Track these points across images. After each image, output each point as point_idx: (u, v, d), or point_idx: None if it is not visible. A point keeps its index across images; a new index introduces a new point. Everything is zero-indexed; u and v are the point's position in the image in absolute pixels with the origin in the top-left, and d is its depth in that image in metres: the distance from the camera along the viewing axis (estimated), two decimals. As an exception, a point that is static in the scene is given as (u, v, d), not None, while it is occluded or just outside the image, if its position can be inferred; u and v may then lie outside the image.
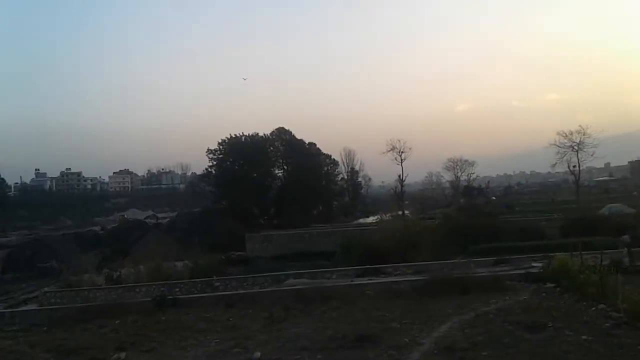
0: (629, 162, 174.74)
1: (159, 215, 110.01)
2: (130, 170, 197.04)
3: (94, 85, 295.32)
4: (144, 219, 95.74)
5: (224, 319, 19.62)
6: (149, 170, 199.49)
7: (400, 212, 78.50)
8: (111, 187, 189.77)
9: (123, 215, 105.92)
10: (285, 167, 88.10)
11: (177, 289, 28.00)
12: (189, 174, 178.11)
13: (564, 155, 75.34)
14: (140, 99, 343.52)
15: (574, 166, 76.34)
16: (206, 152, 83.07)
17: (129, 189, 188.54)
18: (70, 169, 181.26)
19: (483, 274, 24.37)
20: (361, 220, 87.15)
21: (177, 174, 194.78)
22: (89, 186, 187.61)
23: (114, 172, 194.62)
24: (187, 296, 25.49)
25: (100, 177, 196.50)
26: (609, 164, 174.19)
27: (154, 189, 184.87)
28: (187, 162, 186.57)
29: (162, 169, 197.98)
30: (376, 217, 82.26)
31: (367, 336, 15.06)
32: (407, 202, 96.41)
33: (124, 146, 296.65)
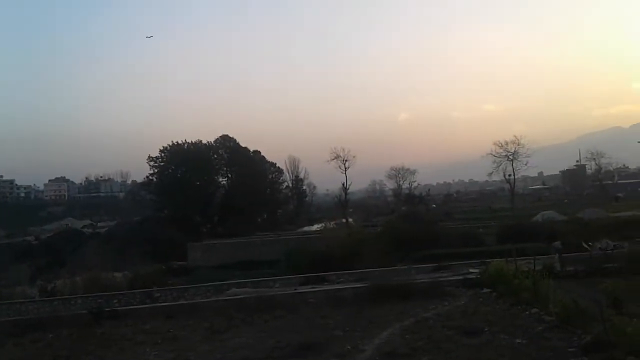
0: (560, 172, 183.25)
1: (97, 224, 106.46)
2: (66, 177, 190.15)
3: (28, 89, 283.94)
4: (81, 228, 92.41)
5: (164, 331, 19.17)
6: (86, 178, 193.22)
7: (344, 220, 79.33)
8: (46, 196, 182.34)
9: (68, 225, 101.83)
10: (229, 175, 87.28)
11: (116, 301, 27.12)
12: (129, 182, 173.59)
13: (500, 165, 78.58)
14: (79, 104, 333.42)
15: (509, 175, 79.64)
16: (147, 159, 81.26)
17: (66, 197, 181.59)
18: (2, 176, 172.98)
19: (423, 280, 24.88)
20: (306, 228, 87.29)
21: (117, 181, 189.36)
22: (23, 194, 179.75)
23: (49, 180, 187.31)
24: (125, 308, 24.71)
25: (34, 185, 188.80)
26: (542, 172, 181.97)
27: (92, 197, 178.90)
28: (127, 170, 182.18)
29: (101, 177, 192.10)
30: (321, 225, 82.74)
31: (310, 345, 15.09)
32: (351, 210, 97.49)
33: (61, 153, 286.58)
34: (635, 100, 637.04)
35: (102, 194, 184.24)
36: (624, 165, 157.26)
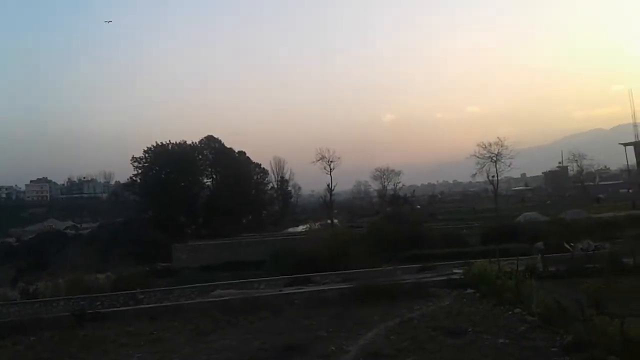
0: (543, 173, 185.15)
1: (81, 225, 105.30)
2: (49, 178, 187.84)
3: (9, 89, 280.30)
4: (64, 229, 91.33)
5: (147, 333, 19.03)
6: (69, 179, 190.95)
7: (329, 221, 79.45)
8: (28, 196, 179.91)
9: (52, 226, 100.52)
10: (214, 176, 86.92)
11: (99, 303, 26.86)
12: (112, 182, 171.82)
13: (484, 166, 79.35)
14: (61, 104, 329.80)
15: (493, 176, 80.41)
16: (131, 160, 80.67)
17: (48, 198, 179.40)
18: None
19: (408, 281, 25.01)
20: (291, 229, 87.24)
21: (100, 182, 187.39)
22: (4, 195, 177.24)
23: (31, 181, 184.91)
24: (108, 310, 24.50)
25: (16, 185, 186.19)
26: (525, 174, 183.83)
27: (75, 198, 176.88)
28: (110, 171, 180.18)
29: (84, 178, 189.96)
30: (306, 226, 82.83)
31: (295, 346, 15.11)
32: (336, 210, 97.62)
33: (43, 153, 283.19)
34: (616, 102, 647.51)
35: (85, 195, 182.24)
36: (605, 166, 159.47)
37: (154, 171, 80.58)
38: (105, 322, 21.49)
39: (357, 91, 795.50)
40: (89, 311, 23.02)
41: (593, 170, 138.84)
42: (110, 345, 17.62)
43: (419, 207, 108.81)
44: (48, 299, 29.13)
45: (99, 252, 52.36)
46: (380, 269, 30.72)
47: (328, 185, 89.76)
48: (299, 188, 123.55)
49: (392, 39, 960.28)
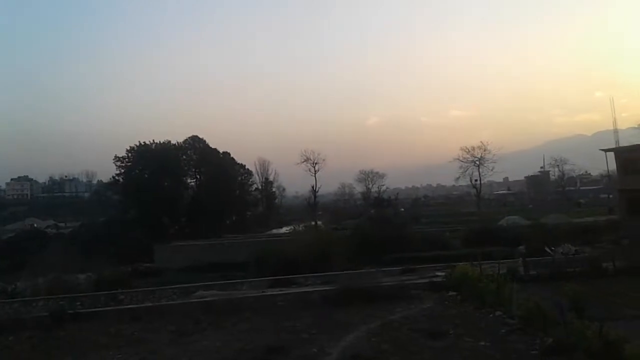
0: (525, 177, 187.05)
1: (61, 224, 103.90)
2: (30, 177, 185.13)
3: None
4: (44, 228, 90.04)
5: (128, 333, 18.90)
6: (51, 178, 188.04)
7: (313, 223, 79.39)
8: (8, 195, 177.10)
9: (34, 225, 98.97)
10: (198, 177, 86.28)
11: (79, 303, 26.51)
12: (94, 182, 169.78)
13: (467, 170, 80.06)
14: (44, 102, 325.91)
15: (476, 180, 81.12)
16: (113, 159, 79.69)
17: (29, 197, 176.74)
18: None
19: (390, 283, 25.11)
20: (275, 231, 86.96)
21: (82, 181, 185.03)
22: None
23: (11, 179, 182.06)
24: (89, 310, 24.24)
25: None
26: (507, 178, 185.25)
27: (56, 197, 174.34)
28: (93, 170, 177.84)
29: (66, 176, 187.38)
30: (290, 227, 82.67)
31: (277, 347, 15.09)
32: (320, 212, 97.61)
33: (24, 151, 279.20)
34: (598, 109, 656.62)
35: (66, 194, 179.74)
36: (586, 172, 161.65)
37: (137, 171, 79.78)
38: (85, 323, 21.28)
39: (343, 94, 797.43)
40: (69, 311, 22.76)
41: (574, 175, 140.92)
42: (91, 345, 17.44)
43: (402, 210, 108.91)
44: (27, 298, 28.72)
45: (80, 252, 51.72)
46: (362, 271, 30.81)
47: (312, 187, 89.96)
48: (284, 189, 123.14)
49: (378, 43, 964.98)
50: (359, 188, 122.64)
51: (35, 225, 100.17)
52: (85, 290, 30.86)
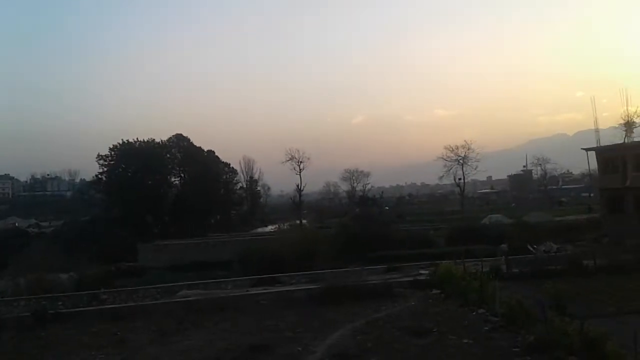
0: (508, 176, 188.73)
1: (43, 224, 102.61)
2: (11, 175, 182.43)
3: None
4: (26, 227, 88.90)
5: (110, 333, 18.70)
6: (32, 176, 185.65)
7: (298, 222, 79.39)
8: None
9: (14, 224, 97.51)
10: (183, 175, 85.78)
11: (60, 303, 26.16)
12: (77, 180, 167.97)
13: (451, 168, 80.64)
14: (25, 100, 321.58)
15: (460, 179, 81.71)
16: (97, 157, 78.95)
17: (10, 196, 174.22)
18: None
19: (374, 281, 25.17)
20: (260, 230, 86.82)
21: (65, 180, 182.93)
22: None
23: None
24: (71, 310, 23.95)
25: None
26: (490, 177, 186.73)
27: (38, 196, 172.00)
28: (75, 168, 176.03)
29: (48, 175, 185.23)
30: (275, 226, 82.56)
31: (261, 346, 15.06)
32: (305, 211, 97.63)
33: (5, 149, 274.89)
34: (579, 108, 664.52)
35: (48, 193, 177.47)
36: (568, 170, 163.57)
37: (120, 169, 79.09)
38: (67, 323, 21.03)
39: (328, 93, 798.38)
40: (51, 311, 22.47)
41: (556, 174, 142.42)
42: (73, 345, 17.26)
43: (387, 208, 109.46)
44: (8, 298, 28.30)
45: (62, 251, 51.14)
46: (347, 269, 30.85)
47: (297, 186, 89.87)
48: (269, 188, 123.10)
49: (364, 42, 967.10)
50: (344, 187, 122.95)
51: (16, 224, 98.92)
52: (67, 290, 30.50)
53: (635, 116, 47.97)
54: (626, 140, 46.97)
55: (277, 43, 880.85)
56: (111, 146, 79.79)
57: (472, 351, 13.95)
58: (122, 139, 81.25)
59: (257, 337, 16.31)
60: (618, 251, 30.20)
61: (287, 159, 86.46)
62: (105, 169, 78.94)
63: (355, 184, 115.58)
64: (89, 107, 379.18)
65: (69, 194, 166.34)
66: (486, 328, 16.12)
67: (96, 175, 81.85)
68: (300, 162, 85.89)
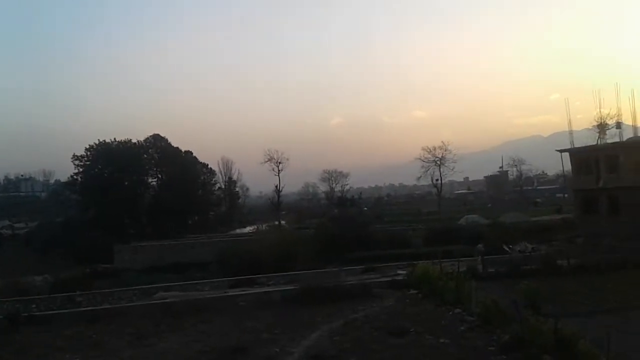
0: (485, 177, 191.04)
1: (17, 225, 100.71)
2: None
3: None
4: (0, 229, 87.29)
5: (86, 336, 18.42)
6: (5, 177, 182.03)
7: (277, 223, 79.27)
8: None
9: None
10: (160, 176, 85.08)
11: (34, 305, 25.73)
12: (52, 181, 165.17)
13: (428, 169, 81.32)
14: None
15: (437, 180, 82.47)
16: (72, 158, 77.93)
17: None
18: None
19: (352, 282, 25.23)
20: (238, 231, 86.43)
21: (39, 181, 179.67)
22: None
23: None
24: (45, 313, 23.56)
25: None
26: (467, 178, 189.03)
27: (12, 197, 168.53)
28: (50, 169, 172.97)
29: (22, 175, 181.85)
30: (253, 227, 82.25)
31: (238, 348, 14.98)
32: (284, 212, 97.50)
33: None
34: (554, 110, 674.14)
35: (22, 194, 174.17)
36: (543, 172, 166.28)
37: (96, 170, 78.15)
38: (41, 326, 20.66)
39: (306, 93, 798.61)
40: (24, 314, 22.07)
41: (531, 175, 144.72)
42: (47, 349, 16.94)
43: (365, 209, 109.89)
44: (-20, 301, 27.74)
45: (36, 253, 50.50)
46: (325, 270, 30.90)
47: (276, 187, 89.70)
48: (247, 189, 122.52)
49: (341, 43, 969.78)
50: (322, 187, 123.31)
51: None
52: (41, 292, 30.01)
53: (608, 118, 48.92)
54: (599, 142, 47.90)
55: (255, 44, 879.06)
56: (87, 146, 78.90)
57: (449, 351, 14.08)
58: (98, 139, 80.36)
59: (234, 339, 16.22)
60: (592, 251, 30.79)
61: (266, 159, 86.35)
62: (81, 170, 77.96)
63: (334, 185, 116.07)
64: (64, 107, 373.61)
65: (43, 195, 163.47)
66: (462, 328, 16.28)
67: (72, 176, 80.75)
68: (279, 162, 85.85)
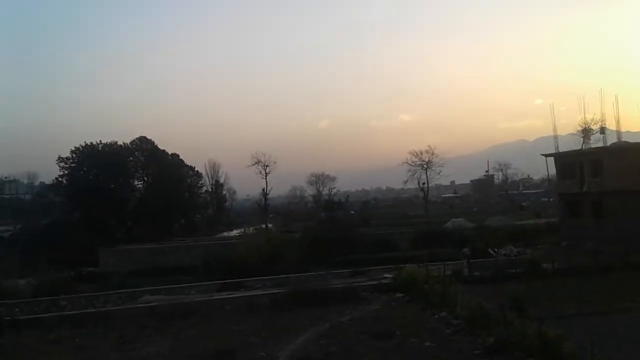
0: (471, 181, 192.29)
1: (0, 228, 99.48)
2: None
3: None
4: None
5: (70, 340, 18.29)
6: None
7: (264, 226, 79.00)
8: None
9: None
10: (146, 178, 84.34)
11: (18, 309, 25.47)
12: (37, 183, 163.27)
13: (415, 173, 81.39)
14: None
15: (424, 183, 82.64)
16: (57, 160, 77.02)
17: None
18: None
19: (339, 285, 25.29)
20: (225, 234, 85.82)
21: (23, 183, 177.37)
22: None
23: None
24: (29, 317, 23.32)
25: None
26: (454, 181, 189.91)
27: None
28: (34, 171, 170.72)
29: (5, 177, 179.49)
30: (240, 230, 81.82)
31: (225, 352, 14.96)
32: (271, 215, 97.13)
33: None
34: (539, 115, 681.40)
35: (6, 196, 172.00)
36: (528, 176, 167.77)
37: (81, 172, 77.30)
38: (25, 330, 20.46)
39: (294, 96, 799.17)
40: (7, 318, 21.83)
41: (517, 179, 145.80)
42: (31, 353, 16.80)
43: (352, 212, 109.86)
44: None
45: (20, 256, 49.79)
46: (312, 273, 30.88)
47: (263, 190, 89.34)
48: (234, 192, 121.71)
49: (329, 46, 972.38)
50: (310, 191, 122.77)
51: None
52: (25, 296, 29.67)
53: (592, 123, 49.48)
54: (583, 147, 48.39)
55: (243, 47, 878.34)
56: (72, 148, 77.93)
57: (434, 354, 14.15)
58: (84, 142, 79.60)
59: (221, 343, 16.17)
60: (577, 254, 31.07)
61: (253, 162, 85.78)
62: (66, 172, 77.07)
63: (321, 188, 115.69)
64: (49, 108, 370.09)
65: (27, 197, 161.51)
66: (448, 331, 16.38)
67: (56, 178, 79.74)
68: (266, 165, 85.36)
